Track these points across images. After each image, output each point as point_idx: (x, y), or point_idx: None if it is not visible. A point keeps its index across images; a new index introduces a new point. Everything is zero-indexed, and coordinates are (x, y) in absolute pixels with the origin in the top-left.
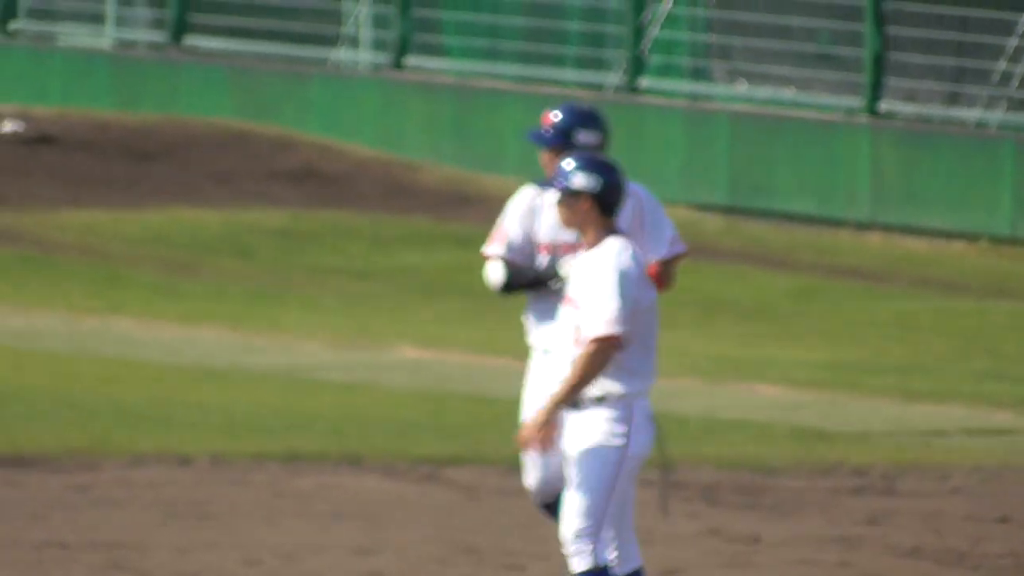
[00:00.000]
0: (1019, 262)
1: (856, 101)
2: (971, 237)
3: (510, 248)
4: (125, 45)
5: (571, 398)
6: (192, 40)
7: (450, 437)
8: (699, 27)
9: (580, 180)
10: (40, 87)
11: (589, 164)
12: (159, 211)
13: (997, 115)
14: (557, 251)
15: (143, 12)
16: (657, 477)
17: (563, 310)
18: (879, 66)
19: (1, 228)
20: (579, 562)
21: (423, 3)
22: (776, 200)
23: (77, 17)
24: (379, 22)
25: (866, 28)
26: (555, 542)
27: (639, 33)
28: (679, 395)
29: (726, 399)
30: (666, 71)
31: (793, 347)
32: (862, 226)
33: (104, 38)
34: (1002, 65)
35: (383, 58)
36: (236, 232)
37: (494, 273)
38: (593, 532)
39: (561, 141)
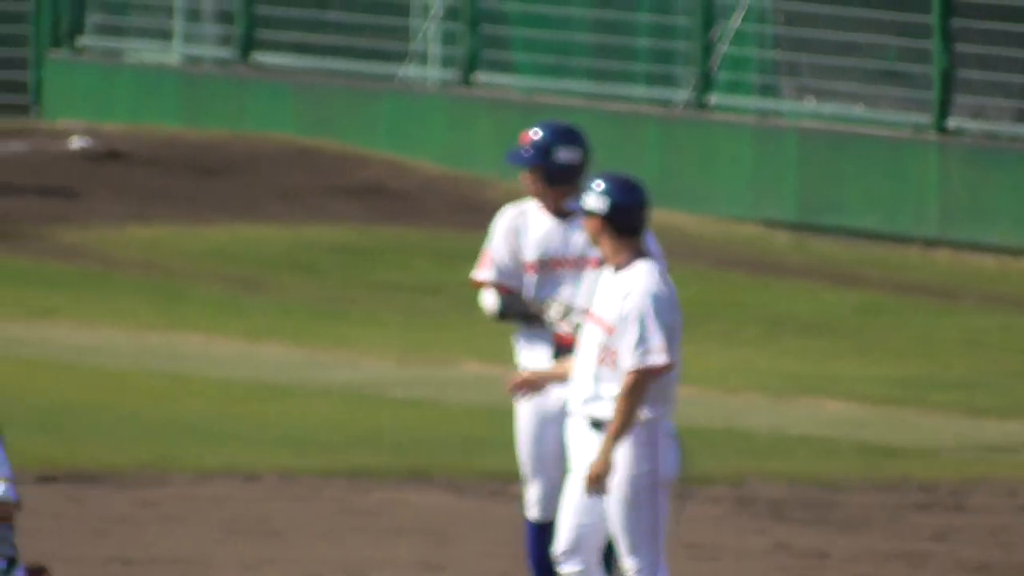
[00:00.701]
0: None
1: (924, 118)
2: None
3: (499, 271)
4: (192, 61)
5: (625, 433)
6: (259, 56)
7: (515, 453)
8: (767, 44)
9: (591, 200)
10: (107, 103)
11: (606, 185)
12: (223, 227)
13: None
14: (545, 268)
15: (211, 28)
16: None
17: (587, 327)
18: (947, 83)
19: (66, 245)
20: None
21: (492, 20)
22: (844, 216)
23: (145, 33)
24: (447, 39)
25: (934, 45)
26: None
27: (708, 50)
28: (745, 411)
29: (792, 415)
30: (735, 88)
31: (859, 363)
32: (930, 243)
33: (172, 54)
34: None
35: (451, 75)
36: (300, 248)
37: (488, 301)
38: (652, 565)
39: (540, 160)
